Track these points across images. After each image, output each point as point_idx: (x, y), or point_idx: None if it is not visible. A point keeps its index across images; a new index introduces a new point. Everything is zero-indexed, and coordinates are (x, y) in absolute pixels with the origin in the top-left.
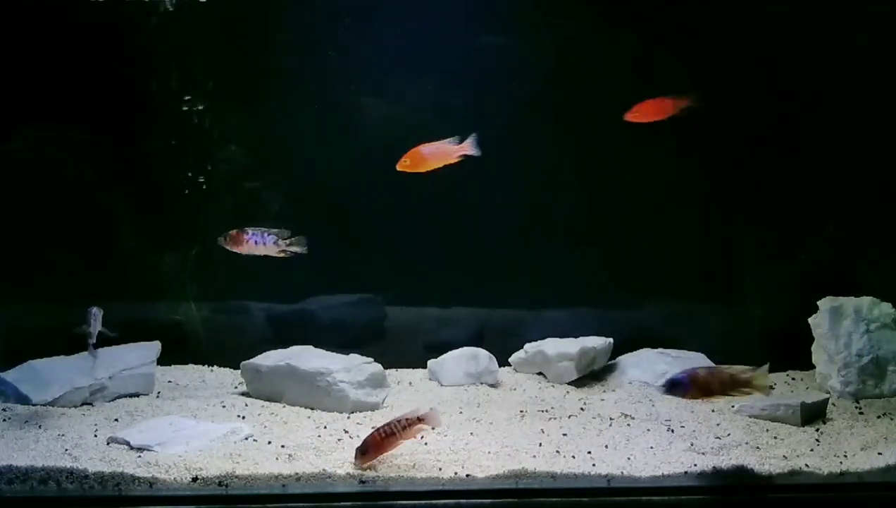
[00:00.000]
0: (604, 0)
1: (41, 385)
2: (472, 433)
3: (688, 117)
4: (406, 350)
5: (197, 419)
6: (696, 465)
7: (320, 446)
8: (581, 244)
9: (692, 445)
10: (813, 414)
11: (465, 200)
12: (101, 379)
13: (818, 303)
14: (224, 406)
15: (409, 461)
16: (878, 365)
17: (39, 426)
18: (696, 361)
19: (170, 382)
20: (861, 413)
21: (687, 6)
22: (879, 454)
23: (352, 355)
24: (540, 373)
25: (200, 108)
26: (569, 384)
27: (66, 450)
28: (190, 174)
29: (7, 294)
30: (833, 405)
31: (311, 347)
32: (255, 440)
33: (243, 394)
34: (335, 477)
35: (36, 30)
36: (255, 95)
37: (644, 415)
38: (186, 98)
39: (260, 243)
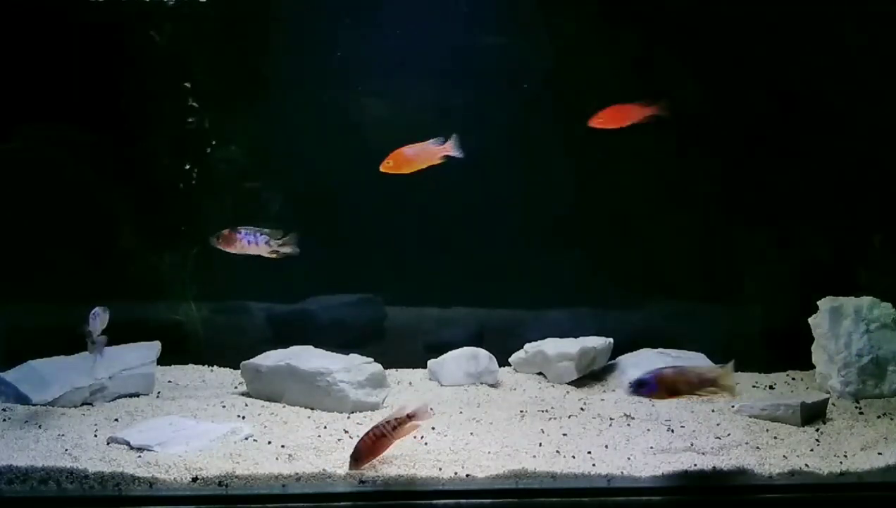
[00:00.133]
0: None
1: (41, 385)
2: (472, 433)
3: (688, 117)
4: (406, 350)
5: (197, 419)
6: (696, 465)
7: (320, 446)
8: (581, 244)
9: (692, 445)
10: (813, 414)
11: (465, 200)
12: (101, 379)
13: (818, 303)
14: (224, 406)
15: (409, 461)
16: (878, 365)
17: (39, 426)
18: (695, 361)
19: (170, 382)
20: (861, 413)
21: (686, 6)
22: (879, 454)
23: (352, 355)
24: (540, 373)
25: (200, 108)
26: (569, 384)
27: (66, 450)
28: (190, 174)
29: (7, 294)
30: (833, 405)
31: (311, 347)
32: (255, 440)
33: (243, 394)
34: (335, 477)
35: (36, 30)
36: (256, 94)
37: (644, 415)
38: (186, 98)
39: (252, 242)
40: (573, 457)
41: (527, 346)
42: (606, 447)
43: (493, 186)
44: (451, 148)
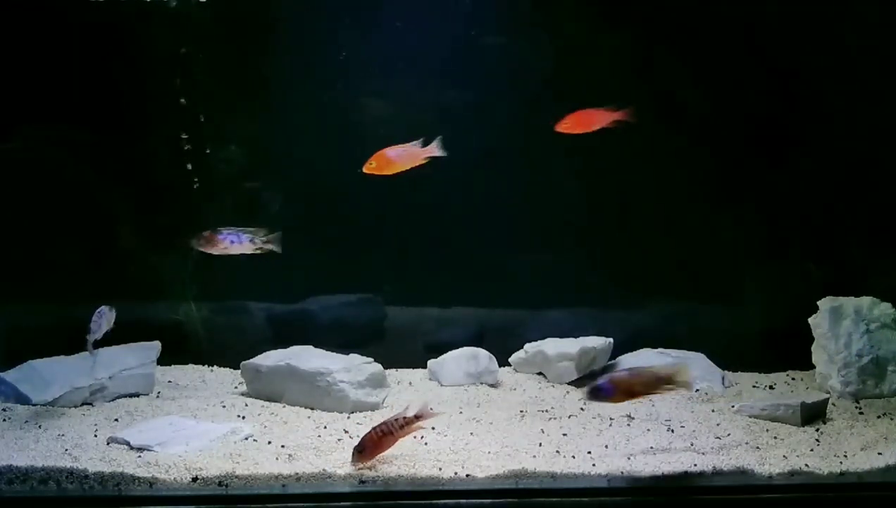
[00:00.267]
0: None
1: (41, 385)
2: (472, 433)
3: (688, 117)
4: (406, 350)
5: (197, 419)
6: (696, 465)
7: (320, 446)
8: (581, 244)
9: (692, 445)
10: (813, 414)
11: (465, 200)
12: (101, 379)
13: (818, 303)
14: (224, 406)
15: (409, 461)
16: (878, 365)
17: (39, 426)
18: (695, 361)
19: (170, 382)
20: (861, 413)
21: (685, 6)
22: (879, 454)
23: (352, 355)
24: (540, 373)
25: (201, 108)
26: (569, 384)
27: (66, 450)
28: (190, 174)
29: (7, 294)
30: (833, 405)
31: (311, 347)
32: (255, 440)
33: (243, 394)
34: (335, 477)
35: (36, 30)
36: (256, 94)
37: (644, 415)
38: (187, 98)
39: (235, 242)
40: (573, 457)
41: (527, 346)
42: (606, 447)
43: (494, 186)
44: (434, 149)
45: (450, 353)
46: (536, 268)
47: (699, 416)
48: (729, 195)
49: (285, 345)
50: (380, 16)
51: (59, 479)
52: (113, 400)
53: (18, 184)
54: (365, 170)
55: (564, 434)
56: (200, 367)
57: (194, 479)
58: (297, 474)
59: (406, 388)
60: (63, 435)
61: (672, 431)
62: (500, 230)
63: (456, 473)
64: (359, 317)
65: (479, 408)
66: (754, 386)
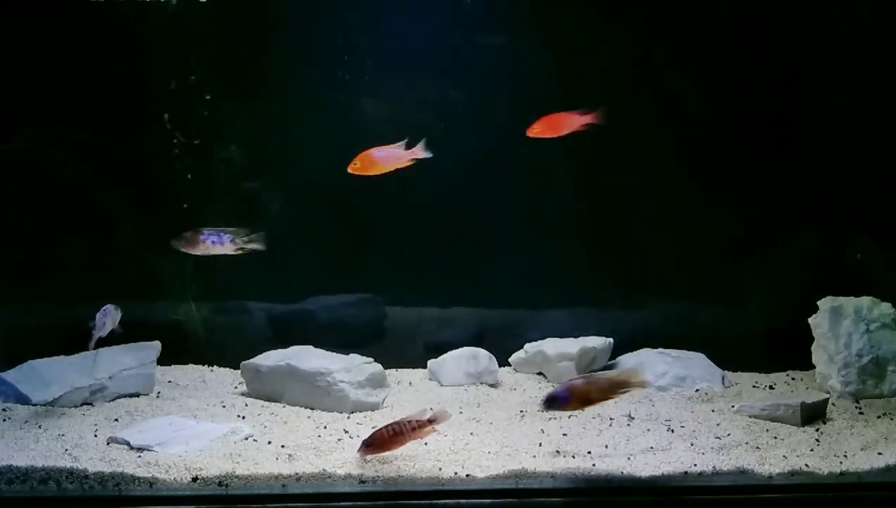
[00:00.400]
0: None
1: (41, 385)
2: (472, 433)
3: (688, 117)
4: (406, 350)
5: (197, 419)
6: (696, 465)
7: (320, 446)
8: (581, 244)
9: (692, 445)
10: (813, 414)
11: (465, 200)
12: (101, 379)
13: (818, 303)
14: (224, 406)
15: (409, 461)
16: (878, 365)
17: (39, 426)
18: (695, 361)
19: (170, 382)
20: (861, 413)
21: (685, 7)
22: (879, 454)
23: (352, 355)
24: (540, 373)
25: (201, 108)
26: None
27: (66, 450)
28: (190, 174)
29: (7, 294)
30: (833, 405)
31: (311, 347)
32: (255, 440)
33: (243, 394)
34: (335, 477)
35: (36, 30)
36: (256, 94)
37: (644, 415)
38: (187, 98)
39: (217, 243)
40: (573, 457)
41: (527, 346)
42: (606, 447)
43: (494, 186)
44: (419, 151)
45: (450, 353)
46: (536, 268)
47: (699, 416)
48: (729, 195)
49: (285, 345)
50: (378, 16)
51: (59, 479)
52: (113, 400)
53: (18, 184)
54: (350, 170)
55: (564, 434)
56: (200, 367)
57: (194, 479)
58: (297, 474)
59: (406, 388)
60: (63, 435)
61: (672, 431)
62: (500, 230)
63: (456, 473)
64: (359, 317)
65: (479, 408)
66: (754, 386)
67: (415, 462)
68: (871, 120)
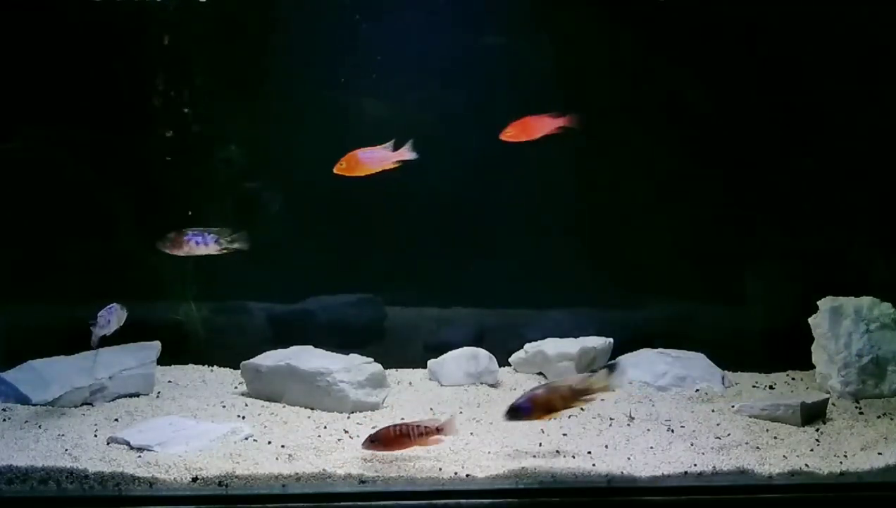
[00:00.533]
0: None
1: (41, 385)
2: (472, 433)
3: (689, 117)
4: (406, 350)
5: (197, 419)
6: (696, 465)
7: (320, 446)
8: (581, 244)
9: (692, 445)
10: (813, 414)
11: (465, 200)
12: (101, 379)
13: (818, 303)
14: (224, 406)
15: (409, 461)
16: (878, 365)
17: (39, 426)
18: (695, 361)
19: (170, 382)
20: (861, 413)
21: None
22: (879, 454)
23: (352, 355)
24: (540, 373)
25: (201, 108)
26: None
27: (66, 450)
28: (190, 174)
29: (7, 294)
30: (833, 405)
31: (311, 347)
32: (255, 440)
33: (243, 394)
34: (335, 477)
35: (35, 29)
36: (256, 94)
37: (644, 415)
38: (187, 98)
39: (201, 243)
40: (573, 457)
41: (527, 346)
42: (606, 447)
43: (494, 186)
44: (405, 153)
45: (450, 353)
46: (536, 268)
47: (699, 416)
48: (729, 195)
49: (285, 345)
50: (378, 15)
51: (59, 479)
52: (113, 400)
53: (18, 184)
54: (335, 171)
55: (564, 434)
56: (200, 367)
57: (194, 479)
58: (297, 474)
59: (406, 388)
60: (63, 435)
61: (672, 431)
62: (501, 230)
63: (456, 473)
64: (359, 317)
65: (479, 408)
66: (754, 386)
67: (415, 462)
68: (871, 119)
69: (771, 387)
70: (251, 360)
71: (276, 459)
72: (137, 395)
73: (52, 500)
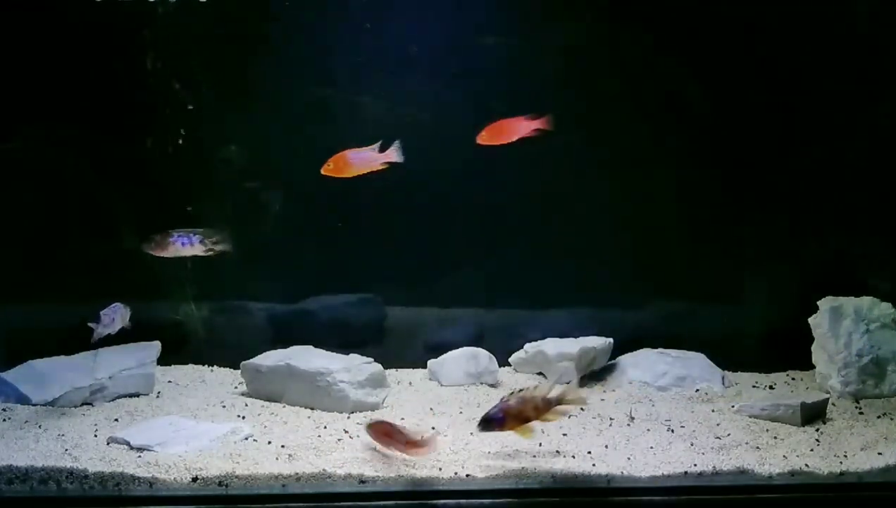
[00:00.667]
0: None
1: (41, 385)
2: (472, 433)
3: (689, 117)
4: (406, 350)
5: (197, 419)
6: (696, 465)
7: (320, 446)
8: (581, 244)
9: (692, 445)
10: (813, 414)
11: (465, 200)
12: (101, 379)
13: (818, 303)
14: (224, 406)
15: (409, 461)
16: (878, 365)
17: (39, 426)
18: (695, 361)
19: (170, 382)
20: (861, 413)
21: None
22: (879, 454)
23: (352, 355)
24: (540, 373)
25: (201, 108)
26: (569, 384)
27: (66, 450)
28: (190, 174)
29: (7, 294)
30: (833, 405)
31: (311, 347)
32: (255, 440)
33: (243, 394)
34: (335, 477)
35: (35, 29)
36: (256, 94)
37: (644, 415)
38: (187, 97)
39: (186, 244)
40: (573, 457)
41: (527, 346)
42: (606, 447)
43: (494, 186)
44: (392, 155)
45: (450, 353)
46: (536, 268)
47: (699, 416)
48: (729, 195)
49: (285, 345)
50: (374, 16)
51: (59, 479)
52: (113, 400)
53: (18, 184)
54: (323, 171)
55: (564, 434)
56: (200, 367)
57: (194, 479)
58: (297, 474)
59: (406, 388)
60: (63, 435)
61: (672, 431)
62: (501, 230)
63: (456, 473)
64: (359, 317)
65: (479, 408)
66: (754, 386)
67: (415, 462)
68: (871, 119)
69: (771, 387)
70: (251, 360)
71: (276, 459)
72: (137, 395)
73: (52, 500)
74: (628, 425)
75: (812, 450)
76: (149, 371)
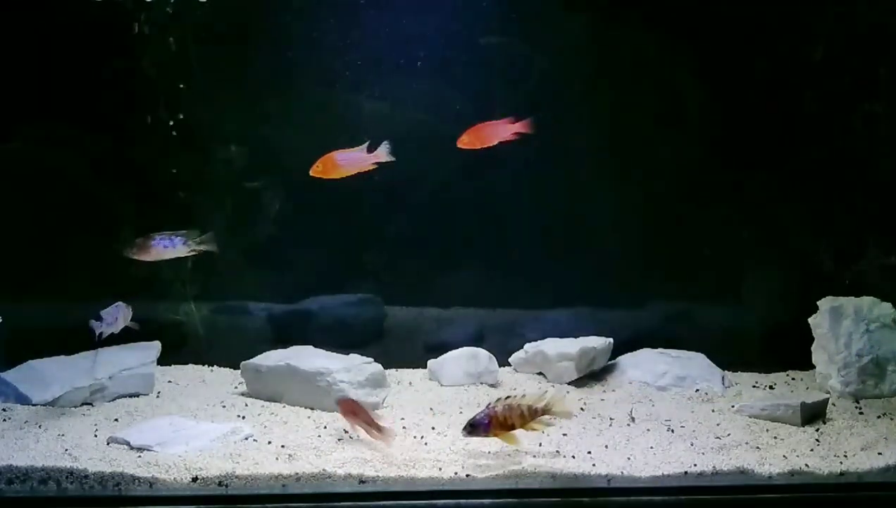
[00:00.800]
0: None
1: (41, 385)
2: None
3: (688, 117)
4: (406, 350)
5: (197, 419)
6: (696, 465)
7: (320, 446)
8: (581, 244)
9: (692, 445)
10: (813, 414)
11: (465, 200)
12: (101, 379)
13: (818, 303)
14: (224, 406)
15: (409, 461)
16: (878, 365)
17: (39, 426)
18: (695, 361)
19: (170, 382)
20: (861, 413)
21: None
22: (879, 454)
23: (352, 355)
24: (540, 373)
25: (201, 107)
26: (569, 384)
27: (66, 450)
28: (190, 174)
29: (7, 294)
30: (833, 405)
31: (311, 347)
32: (255, 440)
33: (243, 394)
34: (335, 477)
35: (35, 29)
36: (256, 93)
37: (644, 415)
38: (188, 97)
39: (168, 247)
40: (573, 457)
41: (527, 346)
42: (606, 447)
43: (494, 186)
44: (381, 155)
45: (450, 353)
46: (537, 268)
47: (699, 416)
48: (729, 195)
49: (285, 345)
50: (372, 16)
51: (59, 479)
52: (113, 400)
53: (18, 184)
54: (311, 173)
55: (564, 434)
56: (200, 367)
57: (194, 479)
58: (297, 474)
59: (406, 388)
60: (63, 435)
61: (672, 431)
62: (501, 230)
63: (456, 473)
64: (359, 317)
65: (479, 408)
66: (754, 386)
67: (415, 462)
68: (871, 120)
69: (771, 387)
70: (251, 360)
71: (276, 459)
72: (137, 395)
73: (52, 500)
74: (628, 425)
75: (812, 450)
76: (149, 371)
